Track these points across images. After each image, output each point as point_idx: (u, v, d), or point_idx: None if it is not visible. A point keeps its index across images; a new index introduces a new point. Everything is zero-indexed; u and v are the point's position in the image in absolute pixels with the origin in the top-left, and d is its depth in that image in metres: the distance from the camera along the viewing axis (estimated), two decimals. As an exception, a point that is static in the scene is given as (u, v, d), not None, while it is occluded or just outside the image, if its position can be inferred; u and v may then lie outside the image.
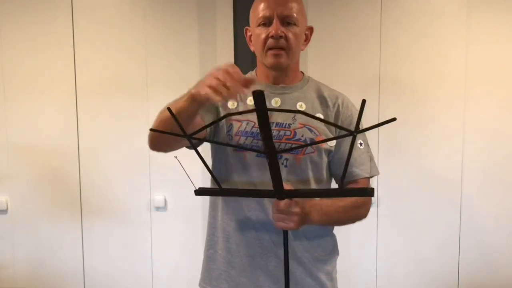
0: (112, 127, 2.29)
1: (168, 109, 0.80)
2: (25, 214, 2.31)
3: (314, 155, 1.19)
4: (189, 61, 2.30)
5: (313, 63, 2.32)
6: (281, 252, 1.18)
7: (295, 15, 1.18)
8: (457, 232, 2.36)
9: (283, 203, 0.99)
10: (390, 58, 2.31)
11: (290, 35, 1.17)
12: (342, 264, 2.45)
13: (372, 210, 2.34)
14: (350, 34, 2.32)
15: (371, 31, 2.30)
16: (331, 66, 2.32)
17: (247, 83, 0.94)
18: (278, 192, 0.94)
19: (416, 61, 2.30)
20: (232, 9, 2.30)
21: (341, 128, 0.75)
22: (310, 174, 1.20)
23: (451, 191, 2.34)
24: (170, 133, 0.88)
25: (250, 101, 1.21)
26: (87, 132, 2.30)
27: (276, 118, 1.20)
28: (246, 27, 1.28)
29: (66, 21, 2.25)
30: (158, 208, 2.35)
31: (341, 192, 0.91)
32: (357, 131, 0.72)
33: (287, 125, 1.19)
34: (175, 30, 2.30)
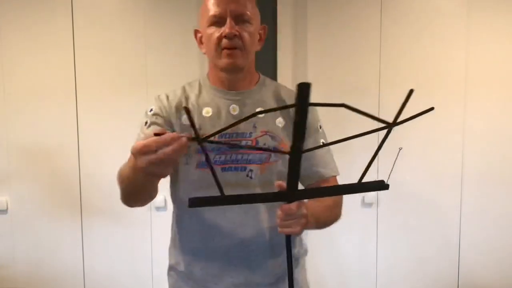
0: (112, 127, 2.29)
1: (185, 108, 0.68)
2: (25, 214, 2.31)
3: (279, 163, 1.12)
4: (189, 61, 2.30)
5: (313, 63, 2.32)
6: (249, 270, 1.13)
7: (248, 12, 1.09)
8: (457, 232, 2.36)
9: (295, 205, 0.90)
10: (390, 58, 2.31)
11: (244, 34, 1.08)
12: (342, 264, 2.46)
13: (372, 210, 2.34)
14: (350, 34, 2.32)
15: (371, 31, 2.30)
16: (331, 66, 2.32)
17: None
18: (291, 195, 0.86)
19: (416, 61, 2.30)
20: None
21: (378, 120, 0.66)
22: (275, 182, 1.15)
23: (451, 191, 2.34)
24: (185, 137, 0.77)
25: (206, 112, 1.13)
26: (87, 132, 2.30)
27: (236, 128, 1.10)
28: (196, 28, 1.19)
29: (66, 21, 2.25)
30: (158, 208, 2.35)
31: (356, 188, 0.85)
32: (395, 123, 0.67)
33: (248, 135, 1.11)
34: (175, 30, 2.30)
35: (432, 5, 2.28)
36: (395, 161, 0.86)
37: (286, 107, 0.67)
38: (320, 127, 1.20)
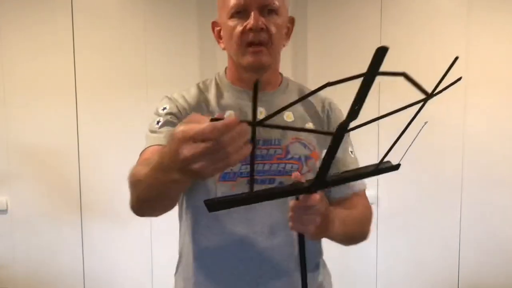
0: (112, 127, 2.29)
1: (255, 83, 0.50)
2: (25, 214, 2.31)
3: (310, 174, 0.98)
4: (189, 61, 2.30)
5: (313, 62, 2.32)
6: (274, 283, 0.98)
7: (276, 2, 0.95)
8: (457, 232, 2.36)
9: (317, 197, 0.76)
10: (390, 57, 2.31)
11: (272, 27, 0.94)
12: (342, 264, 2.46)
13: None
14: (350, 34, 2.31)
15: (371, 30, 2.30)
16: (331, 65, 2.32)
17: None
18: (321, 183, 0.73)
19: (416, 60, 2.30)
20: (232, 9, 2.30)
21: (421, 90, 0.59)
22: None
23: (451, 191, 2.33)
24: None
25: (229, 116, 0.80)
26: (87, 132, 2.30)
27: (262, 134, 0.97)
28: (213, 21, 1.05)
29: (66, 21, 2.25)
30: (158, 208, 2.35)
31: (374, 172, 0.76)
32: (432, 94, 0.61)
33: (276, 142, 0.98)
34: (175, 30, 2.30)
35: (432, 5, 2.28)
36: (416, 136, 0.79)
37: (355, 77, 0.53)
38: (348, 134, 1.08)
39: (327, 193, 1.06)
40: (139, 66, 2.30)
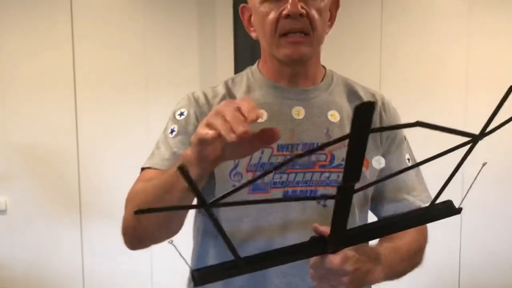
0: (112, 127, 2.29)
1: (181, 168, 0.45)
2: (24, 214, 2.31)
3: (362, 181, 0.74)
4: (188, 61, 2.30)
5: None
6: None
7: None
8: (458, 231, 2.35)
9: (339, 259, 0.64)
10: (390, 57, 2.31)
11: (313, 12, 0.79)
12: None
13: (372, 210, 2.34)
14: (351, 34, 2.31)
15: (372, 30, 2.30)
16: (331, 65, 2.32)
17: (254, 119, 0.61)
18: (335, 241, 0.61)
19: (417, 60, 2.30)
20: (232, 8, 2.30)
21: (461, 134, 0.51)
22: (356, 211, 0.86)
23: (452, 191, 2.33)
24: (180, 207, 0.68)
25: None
26: (87, 132, 2.29)
27: (302, 135, 0.83)
28: (243, 4, 0.90)
29: (65, 21, 2.25)
30: (157, 208, 2.35)
31: (424, 217, 0.64)
32: (483, 134, 0.51)
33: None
34: (174, 30, 2.30)
35: (433, 3, 2.28)
36: (476, 176, 0.59)
37: (341, 138, 0.46)
38: (405, 138, 0.96)
39: (375, 210, 0.93)
40: (139, 66, 2.29)
